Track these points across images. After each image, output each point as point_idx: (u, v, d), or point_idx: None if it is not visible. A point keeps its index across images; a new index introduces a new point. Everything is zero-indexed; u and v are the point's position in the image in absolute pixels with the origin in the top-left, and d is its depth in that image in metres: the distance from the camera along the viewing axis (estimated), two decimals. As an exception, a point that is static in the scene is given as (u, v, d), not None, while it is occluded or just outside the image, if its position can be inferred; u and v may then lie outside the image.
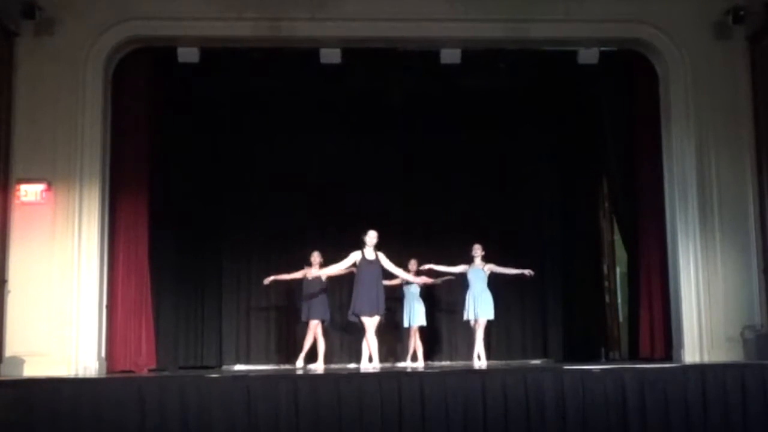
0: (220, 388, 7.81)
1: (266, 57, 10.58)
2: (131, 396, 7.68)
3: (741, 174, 10.09)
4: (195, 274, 12.05)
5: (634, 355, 11.02)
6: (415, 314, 10.84)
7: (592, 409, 7.88)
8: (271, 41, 10.11)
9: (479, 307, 10.37)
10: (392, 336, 11.57)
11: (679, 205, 10.12)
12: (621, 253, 11.98)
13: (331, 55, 10.14)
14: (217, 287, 12.16)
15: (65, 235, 9.54)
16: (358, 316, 9.78)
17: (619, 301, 12.34)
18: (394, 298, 11.20)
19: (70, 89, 9.70)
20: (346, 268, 9.91)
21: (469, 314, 10.46)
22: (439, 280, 10.93)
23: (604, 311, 12.32)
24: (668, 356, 10.22)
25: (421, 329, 11.02)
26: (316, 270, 10.45)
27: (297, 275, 10.69)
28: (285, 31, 9.95)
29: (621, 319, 12.24)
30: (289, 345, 12.01)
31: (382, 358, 10.32)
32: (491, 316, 10.50)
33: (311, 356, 10.72)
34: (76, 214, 9.58)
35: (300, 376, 8.43)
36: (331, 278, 10.59)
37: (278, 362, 11.91)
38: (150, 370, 10.16)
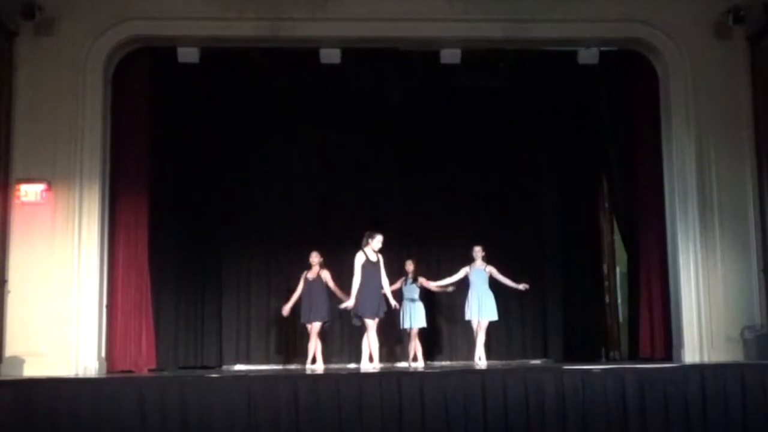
0: (220, 388, 7.81)
1: (266, 57, 10.58)
2: (131, 396, 7.69)
3: (741, 174, 10.09)
4: (195, 274, 12.03)
5: (634, 355, 11.02)
6: (415, 316, 10.83)
7: (592, 409, 7.89)
8: (271, 41, 10.11)
9: (482, 308, 10.38)
10: (392, 337, 11.55)
11: (679, 205, 10.12)
12: (621, 253, 11.98)
13: (331, 55, 10.14)
14: (217, 287, 12.14)
15: (65, 235, 9.54)
16: (361, 318, 9.81)
17: (619, 301, 12.33)
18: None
19: (70, 89, 9.70)
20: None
21: (471, 315, 10.47)
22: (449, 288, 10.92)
23: (604, 311, 12.31)
24: (668, 356, 10.22)
25: (421, 330, 11.01)
26: (315, 270, 10.49)
27: (300, 287, 10.65)
28: (285, 31, 9.94)
29: (621, 319, 12.24)
30: (289, 345, 12.00)
31: (382, 360, 10.32)
32: (494, 317, 10.52)
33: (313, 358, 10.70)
34: (76, 214, 9.58)
35: (300, 376, 8.44)
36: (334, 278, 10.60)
37: (278, 362, 11.90)
38: (150, 370, 10.15)
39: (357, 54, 10.29)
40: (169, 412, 7.66)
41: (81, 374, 9.28)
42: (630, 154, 11.08)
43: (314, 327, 10.49)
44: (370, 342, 9.84)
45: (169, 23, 9.89)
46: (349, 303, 9.82)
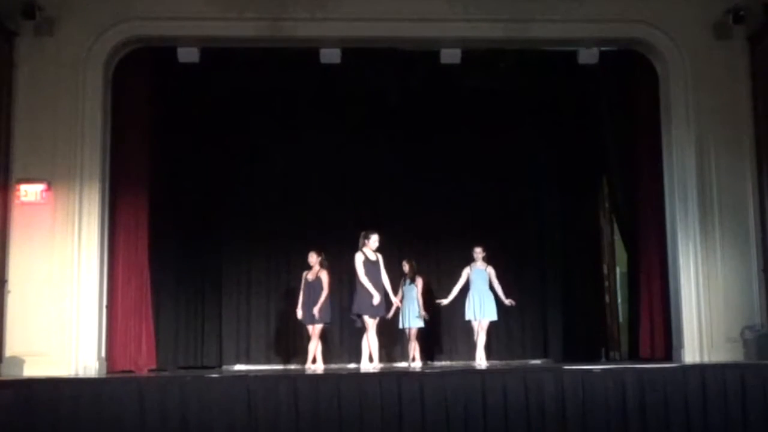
0: (220, 388, 7.81)
1: (266, 57, 10.58)
2: (131, 396, 7.69)
3: (741, 174, 10.08)
4: (195, 274, 12.03)
5: (634, 355, 11.03)
6: (414, 316, 10.82)
7: (592, 409, 7.89)
8: (271, 41, 10.11)
9: (482, 308, 10.38)
10: (391, 337, 11.54)
11: (679, 205, 10.11)
12: (621, 253, 11.98)
13: (331, 55, 10.13)
14: (217, 287, 12.13)
15: (65, 235, 9.53)
16: (360, 316, 9.81)
17: (619, 301, 12.34)
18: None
19: (70, 89, 9.70)
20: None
21: (471, 314, 10.47)
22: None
23: (604, 311, 12.31)
24: (668, 356, 10.22)
25: (420, 331, 11.00)
26: (314, 271, 10.50)
27: (302, 288, 10.63)
28: (285, 31, 9.94)
29: (621, 319, 12.24)
30: (289, 345, 12.00)
31: (382, 360, 10.32)
32: (494, 317, 10.52)
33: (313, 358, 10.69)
34: (76, 214, 9.58)
35: (300, 376, 8.43)
36: (331, 282, 10.57)
37: (278, 362, 11.90)
38: (150, 370, 10.16)
39: (357, 54, 10.28)
40: (169, 412, 7.66)
41: (81, 374, 9.27)
42: (630, 154, 11.08)
43: (316, 328, 10.47)
44: (370, 342, 9.85)
45: (169, 23, 9.89)
46: (376, 299, 9.73)
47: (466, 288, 10.59)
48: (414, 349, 10.88)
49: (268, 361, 11.95)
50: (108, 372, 9.68)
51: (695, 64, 10.18)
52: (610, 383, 7.97)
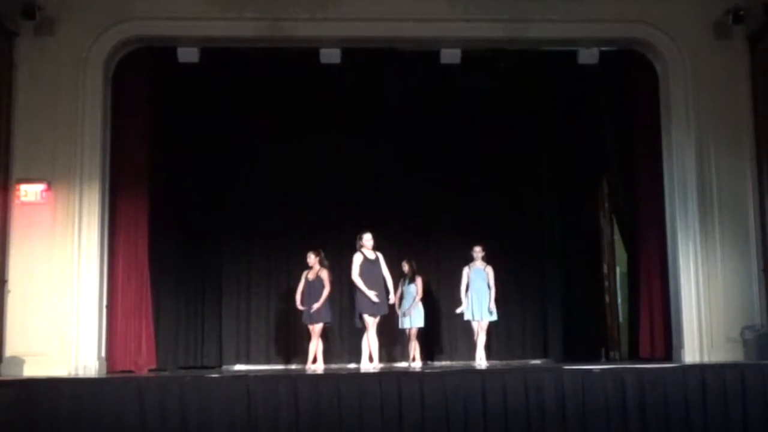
0: (220, 388, 7.82)
1: (266, 57, 10.58)
2: (131, 396, 7.69)
3: (741, 174, 10.09)
4: (195, 274, 12.02)
5: (634, 355, 11.02)
6: (414, 316, 10.82)
7: (592, 409, 7.89)
8: (271, 41, 10.11)
9: (482, 308, 10.38)
10: (392, 337, 11.54)
11: (679, 205, 10.12)
12: (621, 253, 11.97)
13: (330, 55, 10.13)
14: (217, 287, 12.13)
15: (65, 235, 9.54)
16: (361, 316, 9.83)
17: (619, 301, 12.33)
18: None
19: (70, 89, 9.70)
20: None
21: (470, 315, 10.47)
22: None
23: (604, 311, 12.30)
24: (668, 356, 10.22)
25: (420, 330, 11.00)
26: (315, 270, 10.49)
27: (301, 286, 10.62)
28: (285, 31, 9.94)
29: (621, 319, 12.24)
30: (289, 345, 12.00)
31: (382, 360, 10.33)
32: (493, 317, 10.51)
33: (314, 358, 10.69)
34: (76, 214, 9.58)
35: (300, 376, 8.43)
36: (332, 280, 10.57)
37: (278, 362, 11.89)
38: (150, 370, 10.16)
39: (357, 54, 10.28)
40: (169, 412, 7.67)
41: (81, 374, 9.27)
42: (630, 154, 11.08)
43: (316, 328, 10.47)
44: (370, 342, 9.86)
45: (169, 23, 9.89)
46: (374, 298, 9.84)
47: (466, 288, 10.58)
48: (414, 349, 10.87)
49: (268, 361, 11.94)
50: (108, 372, 9.68)
51: (695, 64, 10.19)
52: (610, 383, 7.97)
